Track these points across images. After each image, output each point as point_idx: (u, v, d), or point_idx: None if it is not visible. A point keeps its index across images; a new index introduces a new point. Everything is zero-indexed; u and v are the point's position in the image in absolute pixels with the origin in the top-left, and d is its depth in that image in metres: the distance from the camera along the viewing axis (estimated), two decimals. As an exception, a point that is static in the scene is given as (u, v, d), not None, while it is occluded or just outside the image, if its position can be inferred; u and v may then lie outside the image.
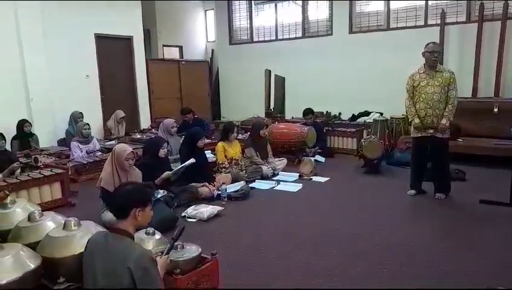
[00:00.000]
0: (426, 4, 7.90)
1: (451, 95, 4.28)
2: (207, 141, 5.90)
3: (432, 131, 4.36)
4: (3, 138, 4.76)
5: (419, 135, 4.46)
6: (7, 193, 2.78)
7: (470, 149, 5.98)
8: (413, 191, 4.69)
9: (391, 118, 6.85)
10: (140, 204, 2.11)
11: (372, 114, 8.08)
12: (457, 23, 7.54)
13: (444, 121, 4.29)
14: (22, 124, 6.59)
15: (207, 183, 4.79)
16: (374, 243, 3.43)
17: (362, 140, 6.01)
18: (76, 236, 2.31)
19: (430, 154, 4.52)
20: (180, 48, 11.47)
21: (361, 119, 8.09)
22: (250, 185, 5.17)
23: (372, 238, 3.54)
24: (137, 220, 2.12)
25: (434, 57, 4.27)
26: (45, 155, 6.07)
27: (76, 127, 6.61)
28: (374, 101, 8.29)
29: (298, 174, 5.68)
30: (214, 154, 5.66)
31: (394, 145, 6.43)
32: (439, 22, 7.52)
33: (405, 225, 3.89)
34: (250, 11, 10.57)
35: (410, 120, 4.54)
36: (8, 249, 2.15)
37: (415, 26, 8.00)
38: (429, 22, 7.87)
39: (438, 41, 6.74)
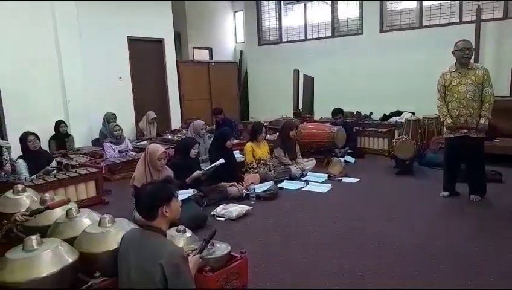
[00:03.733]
0: (461, 1, 7.67)
1: (487, 92, 4.13)
2: (236, 141, 5.94)
3: (465, 131, 4.23)
4: (38, 138, 4.93)
5: (452, 136, 4.33)
6: (69, 198, 2.93)
7: (507, 150, 5.77)
8: (446, 193, 4.56)
9: (423, 117, 6.69)
10: (164, 202, 2.14)
11: (404, 114, 7.92)
12: (493, 19, 7.29)
13: (482, 120, 4.14)
14: (58, 125, 6.86)
15: (235, 183, 4.83)
16: (406, 245, 3.36)
17: (394, 140, 5.90)
18: (111, 232, 2.37)
19: (464, 154, 4.38)
20: (210, 49, 11.61)
21: (392, 119, 7.95)
22: (279, 186, 5.18)
23: (404, 240, 3.48)
24: (167, 216, 2.16)
25: (465, 54, 4.14)
26: (80, 155, 6.30)
27: (108, 128, 6.81)
28: (405, 101, 8.13)
29: (327, 174, 5.63)
30: (243, 155, 5.70)
31: (427, 145, 6.28)
32: (474, 18, 7.28)
33: (438, 226, 3.79)
34: (279, 11, 10.58)
35: (442, 120, 4.42)
36: (48, 243, 2.23)
37: (449, 24, 7.80)
38: (464, 19, 7.64)
39: (474, 39, 6.54)
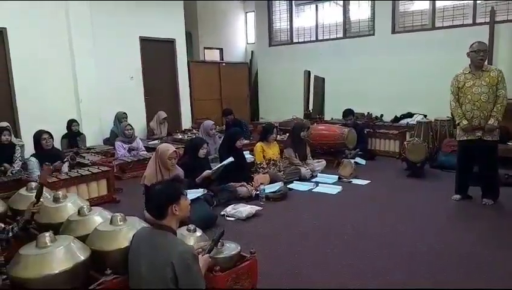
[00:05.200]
0: (474, 2, 7.58)
1: (500, 94, 4.08)
2: (245, 141, 5.95)
3: (480, 134, 4.19)
4: (51, 136, 5.00)
5: (466, 138, 4.28)
6: (49, 165, 2.94)
7: (521, 153, 5.67)
8: (458, 196, 4.51)
9: (435, 120, 6.63)
10: (173, 200, 2.15)
11: (415, 116, 7.85)
12: (508, 21, 7.19)
13: (491, 121, 4.09)
14: (70, 124, 6.94)
15: (245, 183, 4.84)
16: (416, 248, 3.33)
17: (405, 142, 5.85)
18: (123, 231, 2.40)
19: (477, 158, 4.33)
20: (221, 50, 11.65)
21: (404, 121, 7.88)
22: (289, 186, 5.17)
23: (414, 243, 3.45)
24: (176, 215, 2.17)
25: (480, 56, 4.10)
26: (92, 153, 6.36)
27: (120, 127, 6.87)
28: (417, 103, 8.06)
29: (337, 176, 5.61)
30: (253, 155, 5.70)
31: (438, 148, 6.22)
32: (488, 20, 7.19)
33: (449, 230, 3.75)
34: (291, 12, 10.57)
35: (457, 122, 4.36)
36: (61, 240, 2.26)
37: (462, 25, 7.71)
38: (478, 21, 7.55)
39: (487, 41, 6.46)
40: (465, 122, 4.21)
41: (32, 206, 2.53)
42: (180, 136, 7.97)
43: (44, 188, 3.33)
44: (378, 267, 3.02)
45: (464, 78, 4.22)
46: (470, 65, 4.23)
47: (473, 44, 4.18)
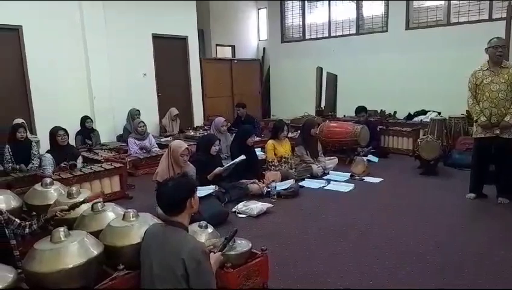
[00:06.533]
0: (491, -3, 7.45)
1: None
2: (257, 138, 5.95)
3: (498, 131, 4.11)
4: (66, 133, 5.06)
5: (483, 136, 4.21)
6: (103, 191, 2.97)
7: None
8: (472, 195, 4.44)
9: (449, 117, 6.54)
10: (190, 194, 2.18)
11: (429, 113, 7.76)
12: (526, 16, 7.03)
13: (507, 118, 4.01)
14: (84, 120, 7.03)
15: (256, 180, 4.84)
16: (429, 248, 3.30)
17: (418, 140, 5.78)
18: (135, 227, 2.42)
19: (493, 155, 4.26)
20: (233, 47, 11.65)
21: (417, 119, 7.80)
22: (300, 184, 5.15)
23: (427, 242, 3.41)
24: (193, 208, 2.20)
25: (498, 52, 4.02)
26: (105, 150, 6.43)
27: (133, 124, 6.92)
28: (431, 100, 7.97)
29: (350, 174, 5.57)
30: (264, 152, 5.70)
31: (452, 145, 6.14)
32: (505, 15, 7.04)
33: (463, 229, 3.69)
34: (303, 8, 10.52)
35: (475, 119, 4.27)
36: (74, 236, 2.29)
37: (478, 21, 7.58)
38: (494, 16, 7.41)
39: (504, 37, 6.32)
40: (483, 118, 4.12)
41: (60, 211, 2.54)
42: (192, 133, 8.01)
43: (59, 184, 3.40)
44: (389, 266, 3.00)
45: (482, 75, 4.14)
46: (488, 61, 4.15)
47: (491, 39, 4.10)
